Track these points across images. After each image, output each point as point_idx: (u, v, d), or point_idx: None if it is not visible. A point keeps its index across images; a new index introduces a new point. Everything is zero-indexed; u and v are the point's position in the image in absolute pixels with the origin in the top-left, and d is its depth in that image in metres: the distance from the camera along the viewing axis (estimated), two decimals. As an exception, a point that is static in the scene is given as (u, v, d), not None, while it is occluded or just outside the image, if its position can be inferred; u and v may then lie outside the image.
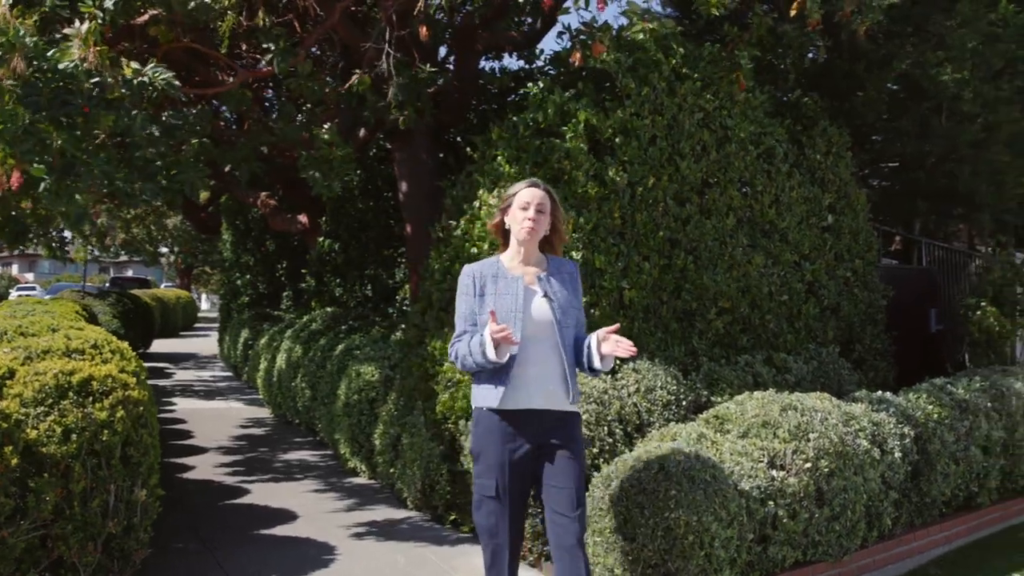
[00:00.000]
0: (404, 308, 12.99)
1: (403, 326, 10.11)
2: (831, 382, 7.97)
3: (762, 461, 5.47)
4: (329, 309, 13.00)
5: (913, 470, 6.68)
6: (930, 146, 9.43)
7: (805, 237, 8.50)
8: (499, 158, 7.28)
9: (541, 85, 7.58)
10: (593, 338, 4.29)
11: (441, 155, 10.55)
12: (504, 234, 4.46)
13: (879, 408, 6.55)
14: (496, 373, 4.21)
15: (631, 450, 6.28)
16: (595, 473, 5.47)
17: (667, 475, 4.89)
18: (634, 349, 4.10)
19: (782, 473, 5.41)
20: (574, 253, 6.90)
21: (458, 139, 11.32)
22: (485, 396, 4.25)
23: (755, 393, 6.17)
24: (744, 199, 8.04)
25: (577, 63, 6.94)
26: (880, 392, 6.99)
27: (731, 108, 8.06)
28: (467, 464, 6.61)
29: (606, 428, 6.25)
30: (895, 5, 8.39)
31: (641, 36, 7.52)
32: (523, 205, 4.32)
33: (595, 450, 6.13)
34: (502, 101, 10.81)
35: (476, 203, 7.31)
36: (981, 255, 11.81)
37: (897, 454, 6.32)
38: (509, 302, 4.24)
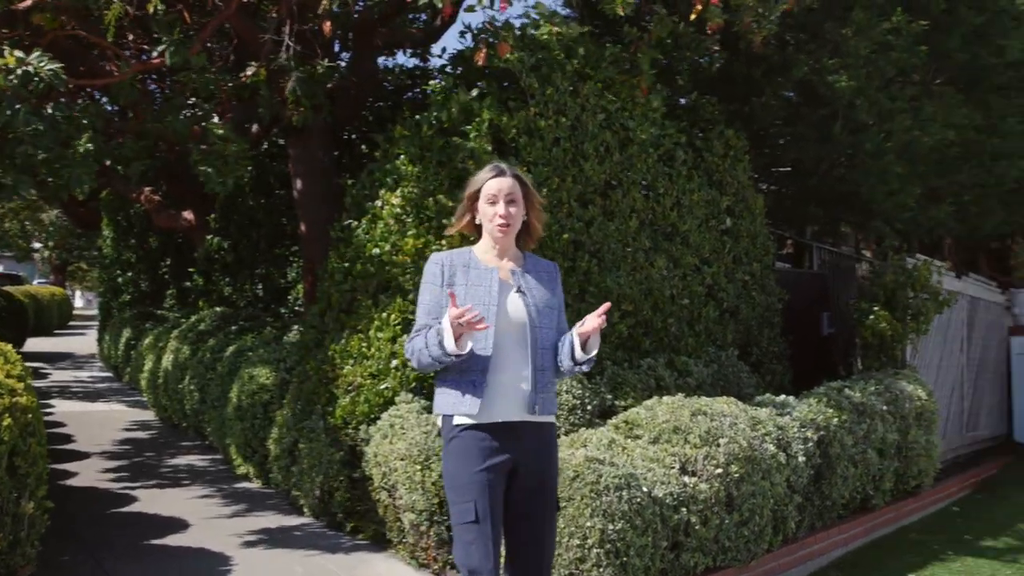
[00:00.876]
0: (297, 309, 12.68)
1: (296, 327, 9.85)
2: (731, 385, 8.00)
3: (674, 467, 5.43)
4: (218, 309, 12.62)
5: (816, 473, 6.74)
6: (826, 152, 9.56)
7: (705, 240, 8.52)
8: (402, 157, 7.12)
9: (442, 83, 7.45)
10: (574, 329, 3.80)
11: (336, 153, 10.31)
12: (476, 228, 3.95)
13: (783, 412, 6.59)
14: (467, 376, 3.68)
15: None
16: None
17: (582, 483, 4.80)
18: (602, 319, 3.69)
19: (694, 479, 5.38)
20: (479, 255, 6.78)
21: (353, 137, 11.09)
22: (456, 406, 3.70)
23: (664, 398, 6.14)
24: (646, 201, 8.02)
25: (481, 62, 6.81)
26: (783, 396, 7.04)
27: (632, 110, 8.03)
28: (369, 470, 6.42)
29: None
30: (791, 13, 8.48)
31: (545, 36, 7.44)
32: (490, 199, 3.80)
33: (501, 456, 6.02)
34: (398, 99, 10.63)
35: (378, 202, 7.13)
36: (869, 260, 12.06)
37: (801, 458, 6.35)
38: (482, 294, 3.75)
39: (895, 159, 9.70)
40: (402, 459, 6.06)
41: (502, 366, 3.70)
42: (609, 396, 6.99)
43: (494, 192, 3.80)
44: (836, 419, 7.03)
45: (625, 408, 6.86)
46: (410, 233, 6.88)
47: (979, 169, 11.66)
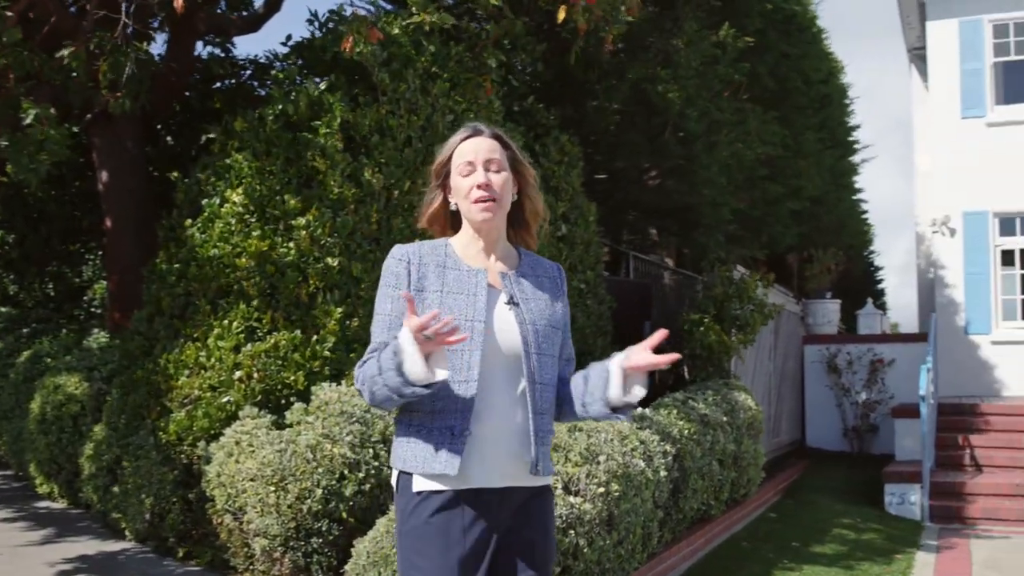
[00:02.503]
0: (93, 310, 11.74)
1: (98, 331, 9.09)
2: (571, 395, 7.87)
3: (558, 487, 5.20)
4: (3, 309, 11.53)
5: (673, 488, 6.68)
6: (657, 161, 9.60)
7: (544, 247, 8.36)
8: (244, 151, 6.61)
9: (285, 71, 6.99)
10: (613, 361, 2.75)
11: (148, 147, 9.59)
12: (454, 218, 2.90)
13: (643, 425, 6.49)
14: (442, 420, 2.67)
15: (395, 473, 5.86)
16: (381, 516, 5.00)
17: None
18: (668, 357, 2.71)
19: (579, 499, 5.17)
20: (330, 260, 6.37)
21: (158, 127, 10.35)
22: (425, 462, 2.65)
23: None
24: (492, 207, 7.79)
25: (348, 51, 6.39)
26: (640, 408, 6.95)
27: (477, 112, 7.79)
28: (210, 491, 5.90)
29: (371, 450, 5.77)
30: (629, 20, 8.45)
31: (396, 31, 7.09)
32: (464, 168, 2.76)
33: (361, 475, 5.64)
34: (209, 89, 9.99)
35: (216, 200, 6.59)
36: (674, 269, 12.26)
37: (663, 472, 6.27)
38: (463, 305, 2.72)
39: (718, 171, 9.86)
40: (252, 480, 5.59)
41: (490, 408, 2.68)
42: (460, 409, 6.71)
43: (469, 158, 2.76)
44: (687, 431, 7.00)
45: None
46: (254, 234, 6.38)
47: (782, 185, 12.08)
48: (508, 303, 2.78)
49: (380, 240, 6.74)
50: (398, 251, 2.79)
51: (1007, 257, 17.19)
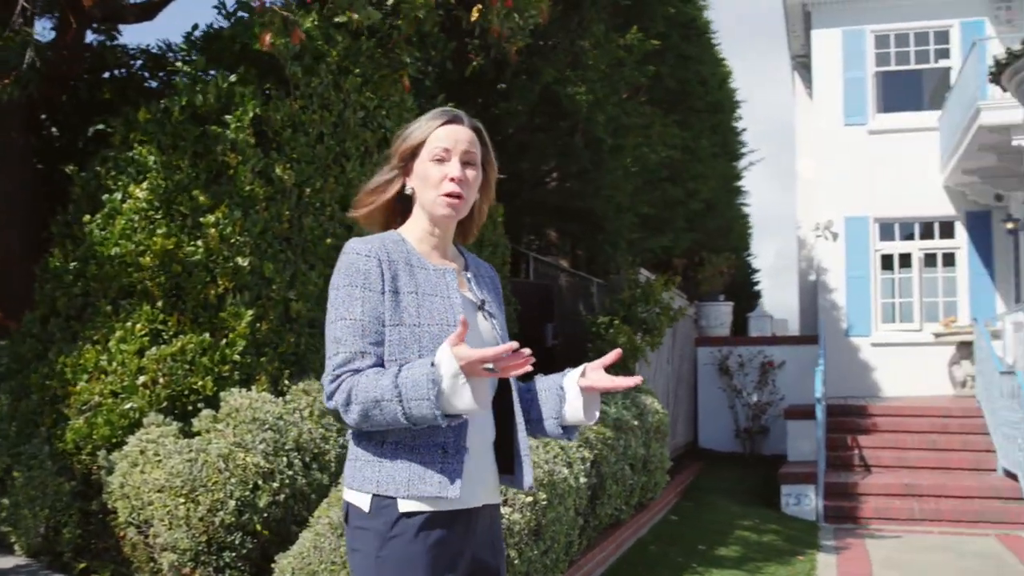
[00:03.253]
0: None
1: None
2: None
3: (484, 496, 5.06)
4: None
5: (592, 494, 6.60)
6: (565, 164, 9.53)
7: (454, 249, 8.21)
8: (147, 144, 6.29)
9: (190, 62, 6.68)
10: (567, 378, 2.65)
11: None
12: (398, 209, 2.66)
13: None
14: (432, 437, 2.42)
15: (308, 481, 5.65)
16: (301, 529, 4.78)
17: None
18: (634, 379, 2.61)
19: (508, 510, 5.04)
20: (240, 259, 6.10)
21: (43, 117, 9.83)
22: (413, 483, 2.40)
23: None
24: (403, 206, 7.61)
25: (266, 46, 6.12)
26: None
27: (389, 109, 7.59)
28: (112, 503, 5.58)
29: (285, 459, 5.55)
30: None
31: (309, 24, 6.84)
32: (439, 154, 2.54)
33: (275, 484, 5.41)
34: (97, 79, 9.52)
35: (118, 195, 6.25)
36: (570, 270, 12.23)
37: (583, 479, 6.18)
38: (441, 308, 2.51)
39: (623, 175, 9.84)
40: (160, 491, 5.31)
41: (475, 423, 2.48)
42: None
43: (447, 144, 2.54)
44: (603, 435, 6.94)
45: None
46: (159, 231, 6.06)
47: (680, 188, 12.16)
48: (481, 311, 2.61)
49: (292, 239, 6.50)
50: (362, 246, 2.50)
51: (886, 261, 17.70)
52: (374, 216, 2.68)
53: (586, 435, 6.68)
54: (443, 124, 2.57)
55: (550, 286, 10.61)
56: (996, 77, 11.70)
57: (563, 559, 5.75)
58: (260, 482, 5.34)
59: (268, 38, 6.02)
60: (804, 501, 10.54)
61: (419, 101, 8.69)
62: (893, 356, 16.94)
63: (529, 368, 2.28)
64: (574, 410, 2.60)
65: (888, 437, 12.08)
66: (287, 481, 5.48)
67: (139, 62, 9.69)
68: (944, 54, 17.66)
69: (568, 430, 2.65)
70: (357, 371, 2.40)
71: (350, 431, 2.51)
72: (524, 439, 2.57)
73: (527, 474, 2.55)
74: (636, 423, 7.78)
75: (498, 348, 2.22)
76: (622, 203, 9.88)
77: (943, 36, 17.64)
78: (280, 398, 5.97)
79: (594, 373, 2.60)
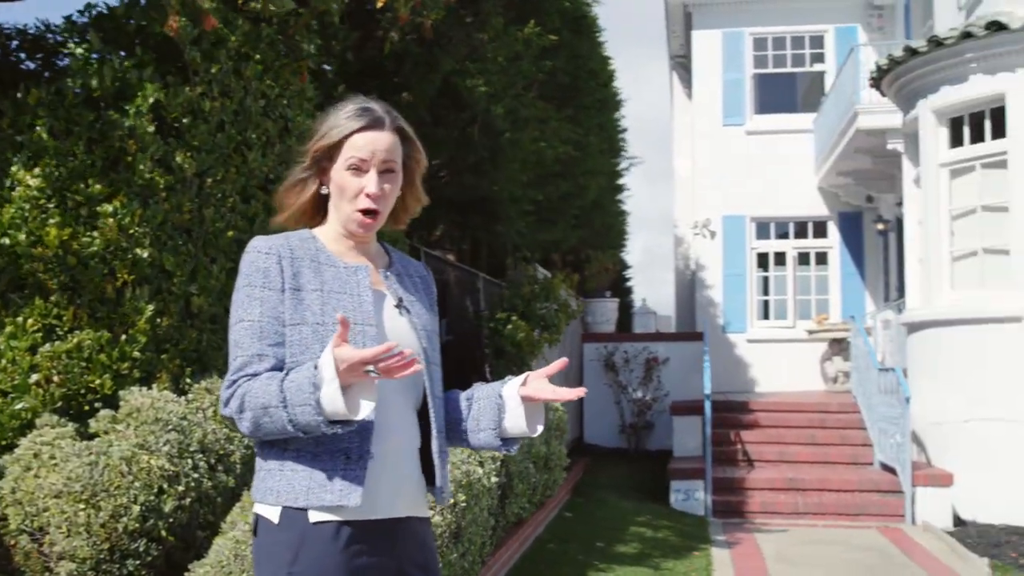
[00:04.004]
0: None
1: None
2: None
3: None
4: None
5: (502, 493, 6.52)
6: (463, 156, 9.42)
7: (354, 243, 8.02)
8: (39, 128, 5.93)
9: (82, 45, 6.33)
10: (507, 387, 2.49)
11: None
12: (319, 205, 2.49)
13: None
14: (336, 443, 2.25)
15: (214, 484, 5.42)
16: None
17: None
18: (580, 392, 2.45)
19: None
20: (139, 251, 5.82)
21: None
22: (314, 492, 2.23)
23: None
24: (303, 199, 7.39)
25: (172, 31, 5.83)
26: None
27: (290, 98, 7.36)
28: (3, 508, 5.24)
29: (190, 461, 5.30)
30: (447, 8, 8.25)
31: (207, 5, 6.56)
32: (357, 163, 2.36)
33: (181, 488, 5.16)
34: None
35: (8, 181, 5.88)
36: (457, 264, 12.12)
37: (494, 479, 6.09)
38: (349, 306, 2.34)
39: (520, 168, 9.79)
40: (57, 496, 5.00)
41: (388, 426, 2.31)
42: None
43: (364, 155, 2.35)
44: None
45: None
46: (53, 221, 5.73)
47: (571, 184, 12.18)
48: (397, 307, 2.44)
49: (192, 231, 6.23)
50: (262, 243, 2.36)
51: (762, 259, 18.11)
52: (298, 219, 2.51)
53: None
54: (362, 128, 2.37)
55: (443, 281, 10.49)
56: (877, 82, 12.03)
57: (478, 561, 5.66)
58: (165, 486, 5.09)
59: (175, 23, 5.74)
60: (693, 496, 10.66)
61: (319, 91, 8.48)
62: (768, 352, 17.35)
63: (419, 368, 2.14)
64: (515, 421, 2.46)
65: (770, 432, 12.33)
66: (193, 484, 5.24)
67: (15, 43, 9.21)
68: (819, 58, 18.16)
69: (508, 442, 2.51)
70: (254, 375, 2.25)
71: (255, 443, 2.39)
72: (443, 444, 2.45)
73: (438, 480, 2.41)
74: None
75: (376, 348, 2.07)
76: (517, 195, 9.83)
77: (818, 41, 18.13)
78: (182, 397, 5.72)
79: (536, 382, 2.46)
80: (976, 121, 10.79)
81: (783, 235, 18.20)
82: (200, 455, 5.39)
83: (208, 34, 6.53)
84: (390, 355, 2.08)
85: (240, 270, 2.37)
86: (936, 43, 10.68)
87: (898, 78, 11.48)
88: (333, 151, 2.39)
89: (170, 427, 5.31)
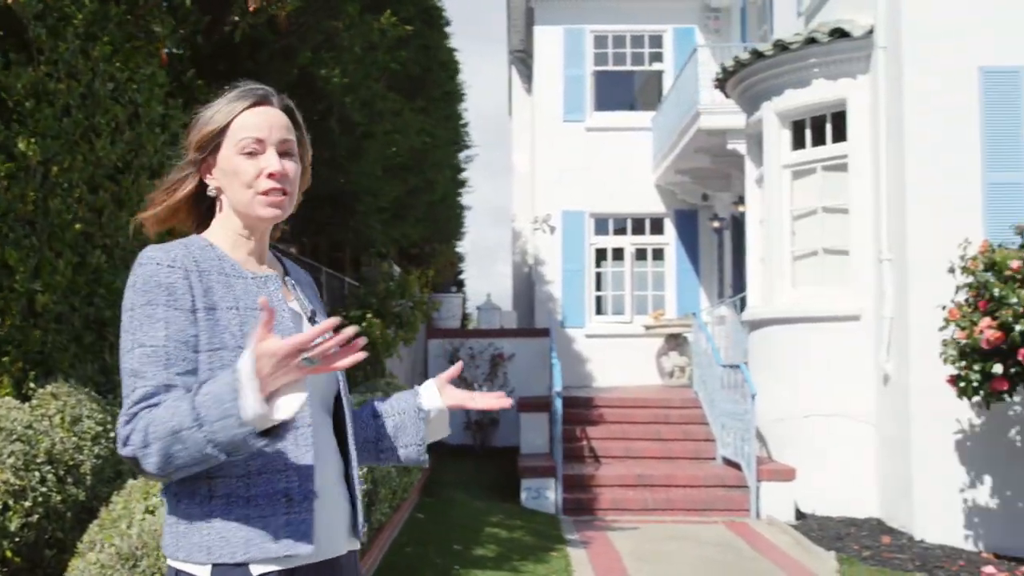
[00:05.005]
0: None
1: None
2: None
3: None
4: None
5: (369, 500, 6.27)
6: (319, 149, 9.08)
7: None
8: None
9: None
10: (423, 398, 2.35)
11: None
12: (199, 210, 2.22)
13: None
14: (274, 482, 1.97)
15: (63, 498, 5.02)
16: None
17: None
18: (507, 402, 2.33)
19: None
20: (-22, 245, 5.34)
21: None
22: (254, 543, 1.94)
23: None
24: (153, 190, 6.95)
25: (9, 2, 5.34)
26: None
27: (140, 82, 6.91)
28: None
29: (37, 474, 4.88)
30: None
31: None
32: (249, 145, 2.08)
33: (28, 504, 4.74)
34: None
35: None
36: (298, 257, 11.78)
37: (364, 486, 5.84)
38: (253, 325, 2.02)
39: (375, 161, 9.53)
40: None
41: (321, 459, 2.07)
42: (127, 419, 5.90)
43: (258, 134, 2.09)
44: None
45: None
46: None
47: (420, 177, 11.98)
48: (310, 320, 2.16)
49: (36, 223, 5.75)
50: (161, 255, 2.01)
51: (600, 255, 18.28)
52: (165, 219, 2.19)
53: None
54: (250, 106, 2.11)
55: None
56: (722, 83, 12.24)
57: (352, 573, 5.41)
58: (11, 502, 4.67)
59: (22, -6, 5.28)
60: (544, 494, 10.62)
61: (169, 76, 8.03)
62: (605, 347, 17.53)
63: (362, 356, 1.83)
64: (438, 430, 2.38)
65: (615, 428, 12.41)
66: (40, 499, 4.83)
67: None
68: (658, 57, 18.44)
69: (408, 455, 2.37)
70: (158, 404, 1.89)
71: (162, 490, 2.03)
72: (356, 475, 2.19)
73: (359, 513, 2.17)
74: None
75: (314, 329, 1.75)
76: (372, 189, 9.55)
77: (657, 40, 18.41)
78: (26, 404, 5.28)
79: (454, 391, 2.36)
80: (818, 124, 11.09)
81: (621, 231, 18.42)
82: (48, 467, 4.98)
83: (53, 8, 6.06)
84: (324, 338, 1.76)
85: (132, 285, 2.01)
86: (781, 47, 10.92)
87: (743, 80, 11.70)
88: (219, 137, 2.10)
89: (14, 437, 4.88)
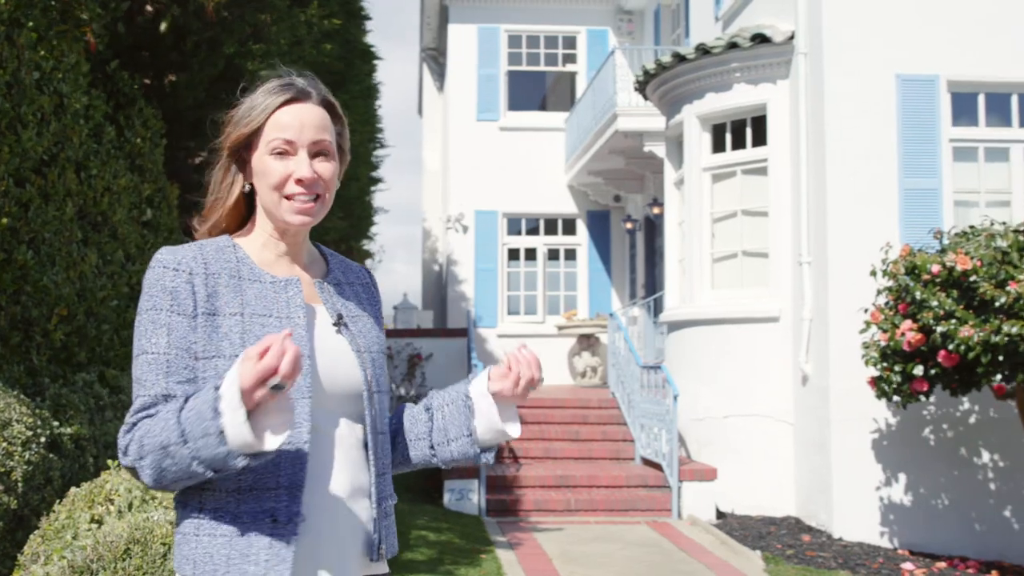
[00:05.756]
0: None
1: None
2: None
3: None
4: None
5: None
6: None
7: (131, 233, 7.37)
8: None
9: None
10: (472, 388, 2.16)
11: None
12: (241, 210, 2.10)
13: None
14: (261, 500, 1.87)
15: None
16: None
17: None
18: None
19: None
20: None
21: None
22: (231, 565, 1.85)
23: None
24: (79, 184, 6.69)
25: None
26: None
27: (64, 71, 6.66)
28: None
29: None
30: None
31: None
32: (280, 146, 1.97)
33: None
34: None
35: None
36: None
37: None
38: (276, 331, 1.87)
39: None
40: None
41: (323, 476, 1.93)
42: (55, 422, 5.66)
43: (289, 135, 1.96)
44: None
45: (75, 437, 5.63)
46: None
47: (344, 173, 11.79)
48: (336, 324, 2.04)
49: (-39, 219, 5.49)
50: (169, 257, 1.93)
51: (513, 255, 18.28)
52: (224, 229, 2.09)
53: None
54: (286, 102, 1.99)
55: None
56: (643, 86, 12.31)
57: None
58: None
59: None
60: (468, 496, 10.53)
61: (90, 64, 7.75)
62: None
63: (296, 353, 1.70)
64: (489, 422, 2.11)
65: (534, 428, 12.38)
66: (-25, 509, 4.61)
67: None
68: (571, 59, 18.50)
69: (485, 450, 2.15)
70: (153, 415, 1.84)
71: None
72: (384, 488, 2.06)
73: (375, 532, 2.00)
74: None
75: (252, 362, 1.67)
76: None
77: (571, 41, 18.47)
78: (-47, 407, 5.03)
79: (501, 379, 2.12)
80: (739, 128, 11.23)
81: (534, 231, 18.44)
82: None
83: (-24, -6, 5.79)
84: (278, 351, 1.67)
85: (143, 289, 1.93)
86: (704, 51, 11.02)
87: (664, 83, 11.78)
88: (254, 138, 2.00)
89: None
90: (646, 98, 12.66)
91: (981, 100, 9.98)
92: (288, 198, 1.97)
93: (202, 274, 1.93)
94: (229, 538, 1.85)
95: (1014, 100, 9.99)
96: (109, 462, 4.76)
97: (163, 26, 7.21)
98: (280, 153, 1.96)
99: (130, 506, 4.14)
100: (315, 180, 1.97)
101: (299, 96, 2.01)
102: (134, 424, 1.83)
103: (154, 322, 1.89)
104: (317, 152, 1.99)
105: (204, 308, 1.91)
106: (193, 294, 1.91)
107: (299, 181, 1.95)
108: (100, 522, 4.15)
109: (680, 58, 11.28)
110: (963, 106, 10.00)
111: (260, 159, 1.98)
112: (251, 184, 2.04)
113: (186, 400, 1.79)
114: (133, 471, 1.83)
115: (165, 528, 3.72)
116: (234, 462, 1.72)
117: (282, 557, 1.83)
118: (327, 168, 2.00)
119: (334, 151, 2.03)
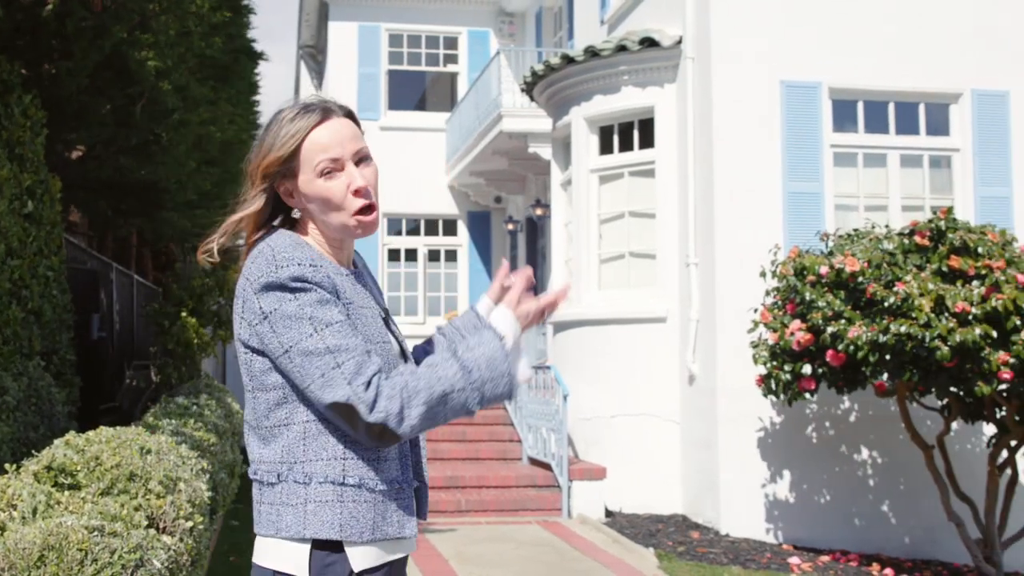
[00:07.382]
0: None
1: None
2: (43, 403, 6.73)
3: (143, 523, 4.28)
4: None
5: (212, 508, 5.92)
6: (126, 135, 8.52)
7: (11, 226, 7.02)
8: None
9: None
10: (480, 304, 2.34)
11: None
12: (275, 213, 2.15)
13: (180, 440, 5.67)
14: (387, 472, 2.04)
15: None
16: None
17: (96, 565, 3.53)
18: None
19: (172, 539, 4.30)
20: None
21: None
22: (378, 525, 2.03)
23: (91, 433, 4.85)
24: (-41, 174, 6.35)
25: None
26: (165, 420, 6.07)
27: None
28: None
29: None
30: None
31: None
32: (330, 164, 2.03)
33: None
34: None
35: None
36: (93, 254, 11.11)
37: (208, 493, 5.51)
38: (371, 321, 2.07)
39: (187, 152, 9.07)
40: None
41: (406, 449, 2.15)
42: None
43: (333, 153, 2.02)
44: (210, 442, 6.27)
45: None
46: None
47: (222, 170, 11.52)
48: (385, 320, 2.17)
49: None
50: (299, 254, 2.00)
51: (393, 255, 18.15)
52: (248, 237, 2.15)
53: (201, 443, 5.99)
54: (319, 123, 2.04)
55: (95, 271, 9.49)
56: (530, 88, 12.32)
57: (204, 587, 5.09)
58: None
59: None
60: (356, 498, 10.37)
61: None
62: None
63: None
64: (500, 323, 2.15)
65: (420, 429, 12.28)
66: None
67: None
68: (453, 59, 18.45)
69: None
70: (379, 371, 1.95)
71: (256, 468, 2.07)
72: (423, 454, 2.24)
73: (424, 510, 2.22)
74: (227, 426, 7.16)
75: (555, 292, 2.19)
76: (183, 180, 9.07)
77: (452, 42, 18.42)
78: None
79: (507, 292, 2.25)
80: (626, 131, 11.33)
81: (414, 232, 18.34)
82: None
83: None
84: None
85: (280, 285, 1.96)
86: (592, 53, 11.09)
87: (552, 84, 11.82)
88: (290, 163, 2.04)
89: None
90: (533, 99, 12.68)
91: (860, 107, 10.29)
92: (356, 213, 2.06)
93: (326, 274, 2.01)
94: (372, 504, 2.00)
95: (891, 108, 10.34)
96: (7, 466, 4.50)
97: (47, 10, 6.89)
98: (329, 172, 2.03)
99: (34, 511, 3.92)
100: (369, 187, 2.06)
101: (327, 115, 2.06)
102: (369, 381, 1.92)
103: (320, 301, 1.96)
104: (360, 159, 2.07)
105: (345, 298, 2.04)
106: (335, 286, 2.01)
107: (357, 192, 2.04)
108: (3, 529, 3.92)
109: (569, 60, 11.33)
110: (844, 113, 10.30)
111: (310, 184, 2.04)
112: (300, 212, 2.11)
113: (453, 352, 1.99)
114: (380, 425, 1.92)
115: (81, 534, 3.53)
116: (507, 398, 2.03)
117: (408, 516, 2.06)
118: (372, 172, 2.09)
119: (370, 152, 2.13)
